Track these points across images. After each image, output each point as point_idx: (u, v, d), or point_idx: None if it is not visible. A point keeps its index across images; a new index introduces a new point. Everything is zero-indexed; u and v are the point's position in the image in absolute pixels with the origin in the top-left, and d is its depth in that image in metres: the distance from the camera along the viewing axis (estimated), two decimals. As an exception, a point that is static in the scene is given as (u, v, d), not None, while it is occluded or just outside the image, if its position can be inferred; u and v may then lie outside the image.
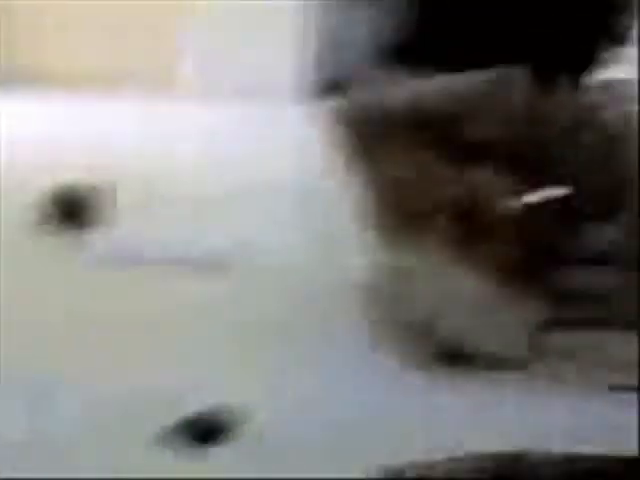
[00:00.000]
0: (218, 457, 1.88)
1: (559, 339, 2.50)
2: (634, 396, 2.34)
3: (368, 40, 4.46)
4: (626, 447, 1.81)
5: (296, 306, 2.70)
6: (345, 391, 2.29)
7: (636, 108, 2.53)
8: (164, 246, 3.00)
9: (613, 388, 2.37)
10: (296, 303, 2.71)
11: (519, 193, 2.46)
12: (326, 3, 4.30)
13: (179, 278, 2.80)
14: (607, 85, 2.55)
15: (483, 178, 2.51)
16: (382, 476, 1.53)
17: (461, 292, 2.47)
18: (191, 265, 2.86)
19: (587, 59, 2.37)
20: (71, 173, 3.37)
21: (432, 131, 2.58)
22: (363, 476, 1.59)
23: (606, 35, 2.39)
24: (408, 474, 1.46)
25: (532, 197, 2.47)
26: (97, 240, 3.08)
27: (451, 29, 4.10)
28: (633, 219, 2.46)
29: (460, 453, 1.67)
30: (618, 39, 2.37)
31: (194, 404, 2.04)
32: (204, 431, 1.93)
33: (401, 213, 2.62)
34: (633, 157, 2.46)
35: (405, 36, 4.33)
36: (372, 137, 2.62)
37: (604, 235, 2.43)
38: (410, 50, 4.21)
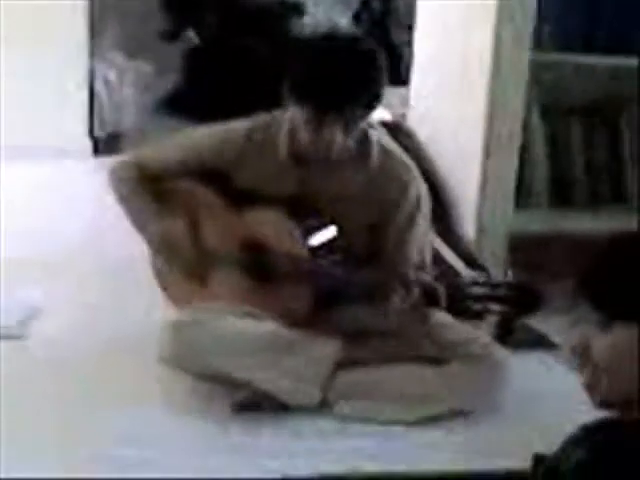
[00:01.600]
0: None
1: (353, 377, 2.55)
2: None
3: (144, 96, 4.49)
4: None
5: (94, 369, 2.65)
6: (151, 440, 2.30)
7: (397, 148, 2.63)
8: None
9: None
10: (93, 366, 2.67)
11: (300, 235, 2.51)
12: (105, 61, 4.30)
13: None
14: (374, 125, 2.64)
15: (264, 223, 2.55)
16: None
17: (255, 337, 2.49)
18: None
19: (359, 99, 2.43)
20: None
21: (205, 182, 2.60)
22: None
23: (375, 78, 2.45)
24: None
25: (314, 239, 2.52)
26: None
27: (216, 81, 4.19)
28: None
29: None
30: (382, 83, 2.44)
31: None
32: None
33: (188, 264, 2.61)
34: (393, 195, 2.54)
35: (176, 90, 4.39)
36: (148, 193, 2.61)
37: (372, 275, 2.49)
38: (181, 102, 4.26)
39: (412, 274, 2.44)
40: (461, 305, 2.21)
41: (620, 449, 1.29)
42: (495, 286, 2.18)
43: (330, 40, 2.52)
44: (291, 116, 2.46)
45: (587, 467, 1.29)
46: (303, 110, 2.38)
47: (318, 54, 2.41)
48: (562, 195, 3.42)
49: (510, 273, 2.28)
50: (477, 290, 2.18)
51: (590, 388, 1.39)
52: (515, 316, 2.18)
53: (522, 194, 3.31)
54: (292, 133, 2.49)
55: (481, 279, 2.21)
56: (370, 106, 2.44)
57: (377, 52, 2.43)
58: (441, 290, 2.22)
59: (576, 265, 1.44)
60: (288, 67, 2.43)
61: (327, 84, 2.35)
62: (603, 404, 1.39)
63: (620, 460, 1.26)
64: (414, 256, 2.54)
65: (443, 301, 2.22)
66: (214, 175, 2.58)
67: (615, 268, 1.37)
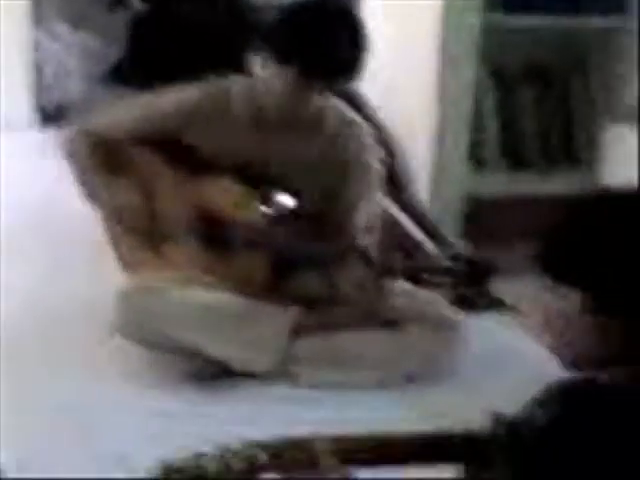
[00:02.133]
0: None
1: (310, 345, 2.55)
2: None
3: (89, 66, 4.43)
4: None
5: (47, 342, 2.61)
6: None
7: (352, 114, 2.61)
8: None
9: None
10: (46, 339, 2.63)
11: (256, 204, 2.49)
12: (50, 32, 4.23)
13: None
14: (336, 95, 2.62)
15: (220, 191, 2.52)
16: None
17: (211, 306, 2.47)
18: None
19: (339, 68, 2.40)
20: None
21: (160, 151, 2.57)
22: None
23: (364, 47, 2.42)
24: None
25: (271, 207, 2.50)
26: None
27: (162, 49, 4.12)
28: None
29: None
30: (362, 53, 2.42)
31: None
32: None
33: (143, 234, 2.59)
34: (348, 161, 2.51)
35: (122, 59, 4.32)
36: (102, 163, 2.58)
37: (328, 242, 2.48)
38: (127, 71, 4.20)
39: (365, 241, 2.43)
40: (416, 277, 2.20)
41: (585, 409, 1.29)
42: (450, 259, 2.17)
43: (320, 5, 2.49)
44: (255, 81, 2.43)
45: (551, 428, 1.30)
46: (285, 73, 2.34)
47: (310, 18, 2.37)
48: (515, 158, 3.44)
49: (465, 245, 2.27)
50: (432, 263, 2.17)
51: (554, 351, 1.39)
52: (469, 288, 2.18)
53: (475, 158, 3.31)
54: (252, 97, 2.46)
55: (436, 252, 2.20)
56: (354, 73, 2.42)
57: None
58: (396, 262, 2.21)
59: (530, 229, 1.44)
60: (271, 29, 2.40)
61: (318, 50, 2.32)
62: (571, 365, 1.39)
63: (584, 421, 1.26)
64: (368, 222, 2.53)
65: (398, 272, 2.22)
66: (169, 143, 2.54)
67: (567, 234, 1.36)
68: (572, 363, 1.39)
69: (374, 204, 2.56)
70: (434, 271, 2.17)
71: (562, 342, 1.37)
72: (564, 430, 1.27)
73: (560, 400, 1.36)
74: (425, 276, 2.18)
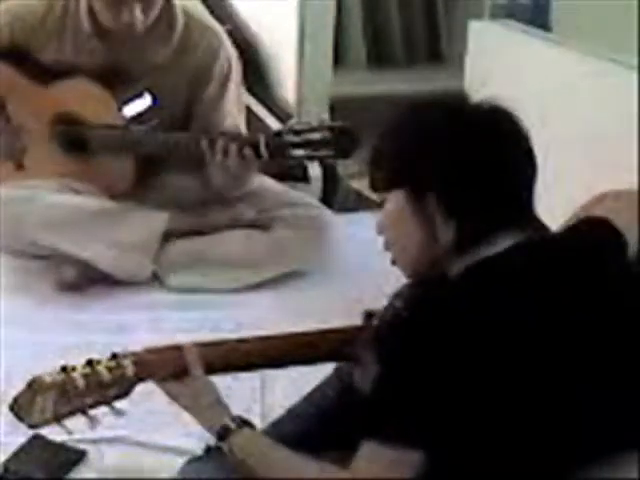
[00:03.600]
0: None
1: (183, 248, 2.54)
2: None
3: None
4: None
5: None
6: None
7: (203, 14, 2.55)
8: None
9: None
10: None
11: (114, 105, 2.43)
12: None
13: None
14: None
15: (75, 94, 2.45)
16: None
17: (78, 210, 2.44)
18: None
19: None
20: None
21: (9, 62, 2.48)
22: None
23: None
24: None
25: (130, 108, 2.45)
26: None
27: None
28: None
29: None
30: None
31: None
32: None
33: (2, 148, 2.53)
34: (203, 61, 2.47)
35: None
36: None
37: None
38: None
39: (229, 134, 2.39)
40: (280, 154, 2.18)
41: (429, 300, 1.32)
42: (311, 130, 2.17)
43: None
44: None
45: (403, 314, 1.33)
46: None
47: None
48: (378, 55, 3.44)
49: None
50: (295, 138, 2.16)
51: (394, 263, 1.40)
52: (334, 158, 2.16)
53: (340, 55, 3.30)
54: (92, 9, 2.40)
55: (297, 126, 2.18)
56: None
57: None
58: (261, 140, 2.19)
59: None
60: None
61: None
62: (410, 275, 1.41)
63: (429, 309, 1.29)
64: (229, 118, 2.50)
65: (263, 149, 2.19)
66: (19, 54, 2.46)
67: (388, 136, 1.36)
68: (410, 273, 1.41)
69: (236, 100, 2.53)
70: (299, 145, 2.15)
71: (399, 253, 1.38)
72: (409, 323, 1.30)
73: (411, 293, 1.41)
74: (290, 153, 2.16)
